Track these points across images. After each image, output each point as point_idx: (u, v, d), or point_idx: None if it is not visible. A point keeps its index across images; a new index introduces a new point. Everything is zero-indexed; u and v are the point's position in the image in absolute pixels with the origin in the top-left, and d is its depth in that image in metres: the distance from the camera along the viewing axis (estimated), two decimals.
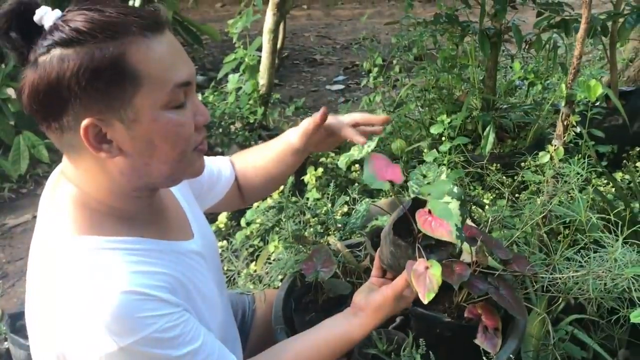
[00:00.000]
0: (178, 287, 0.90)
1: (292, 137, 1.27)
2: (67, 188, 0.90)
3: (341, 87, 4.99)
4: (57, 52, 0.78)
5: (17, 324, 1.61)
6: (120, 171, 0.87)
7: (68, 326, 0.80)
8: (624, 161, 2.40)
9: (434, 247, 1.07)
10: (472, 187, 2.13)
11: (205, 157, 1.31)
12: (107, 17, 0.79)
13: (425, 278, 0.97)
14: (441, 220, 1.00)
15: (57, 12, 0.81)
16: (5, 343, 1.72)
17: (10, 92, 3.30)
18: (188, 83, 0.86)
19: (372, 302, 1.08)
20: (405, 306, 1.11)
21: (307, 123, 1.24)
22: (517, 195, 2.00)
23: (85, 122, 0.80)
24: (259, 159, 1.33)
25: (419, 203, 1.08)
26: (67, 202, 0.88)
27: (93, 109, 0.80)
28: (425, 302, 0.95)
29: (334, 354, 1.07)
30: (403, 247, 1.04)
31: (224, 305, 1.11)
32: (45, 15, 0.80)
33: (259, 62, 2.72)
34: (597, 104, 2.55)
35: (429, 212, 1.02)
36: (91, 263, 0.82)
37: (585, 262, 1.23)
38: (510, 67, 3.08)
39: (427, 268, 0.98)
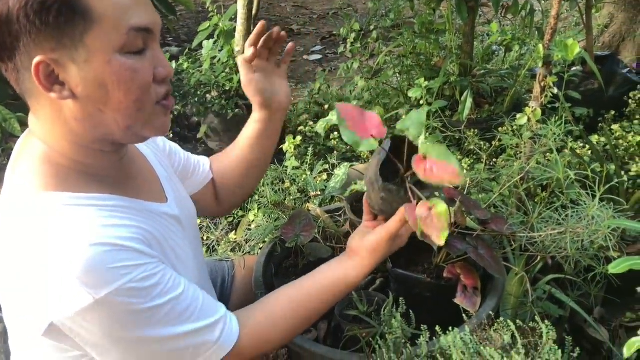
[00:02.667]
0: (152, 241, 0.88)
1: (253, 114, 1.26)
2: (34, 146, 0.87)
3: (319, 57, 4.94)
4: None
5: None
6: (75, 117, 0.84)
7: (41, 284, 0.78)
8: (600, 124, 2.43)
9: (422, 184, 0.99)
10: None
11: (187, 152, 1.28)
12: None
13: (432, 220, 0.90)
14: (442, 162, 0.90)
15: None
16: None
17: None
18: (147, 30, 0.83)
19: (366, 243, 1.04)
20: (401, 244, 1.07)
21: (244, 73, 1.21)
22: (495, 160, 2.01)
23: (36, 59, 0.78)
24: (234, 149, 1.29)
25: (397, 142, 1.03)
26: (34, 159, 0.86)
27: (44, 46, 0.78)
28: (442, 243, 0.88)
29: (328, 298, 1.03)
30: (394, 191, 0.99)
31: (200, 273, 1.09)
32: None
33: (234, 30, 2.67)
34: (574, 67, 2.57)
35: (424, 157, 0.93)
36: (58, 219, 0.80)
37: (562, 220, 1.24)
38: (488, 35, 3.08)
39: (430, 209, 0.91)
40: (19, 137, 2.92)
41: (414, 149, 0.98)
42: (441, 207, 0.89)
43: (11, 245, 0.81)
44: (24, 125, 3.12)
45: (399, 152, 1.02)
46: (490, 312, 1.14)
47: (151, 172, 1.07)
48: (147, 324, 0.82)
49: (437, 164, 0.90)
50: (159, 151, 1.16)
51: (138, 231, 0.85)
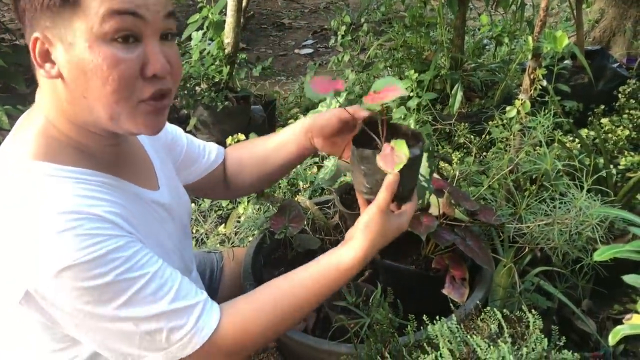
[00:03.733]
0: (133, 221, 0.87)
1: (301, 139, 1.21)
2: (36, 118, 0.89)
3: (310, 51, 4.93)
4: None
5: None
6: (66, 99, 0.85)
7: (16, 252, 0.78)
8: (590, 118, 2.44)
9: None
10: (440, 146, 2.14)
11: (197, 139, 1.26)
12: None
13: (392, 155, 0.93)
14: (387, 87, 0.96)
15: None
16: None
17: None
18: (132, 13, 0.80)
19: (358, 224, 0.97)
20: (400, 227, 1.00)
21: (328, 119, 1.15)
22: (485, 153, 2.02)
23: (34, 35, 0.82)
24: (260, 157, 1.26)
25: (372, 121, 1.04)
26: (32, 130, 0.87)
27: (41, 24, 0.81)
28: (395, 170, 0.92)
29: (320, 288, 0.95)
30: (371, 157, 0.97)
31: (184, 263, 1.08)
32: None
33: (224, 22, 2.65)
34: (564, 61, 2.57)
35: (375, 92, 0.97)
36: (37, 188, 0.81)
37: (550, 211, 1.25)
38: (479, 29, 3.08)
39: (392, 149, 0.94)
40: (8, 130, 2.88)
41: (392, 128, 1.03)
42: (401, 145, 0.93)
43: None
44: (11, 118, 3.10)
45: (375, 130, 1.02)
46: (478, 303, 1.14)
47: (146, 159, 1.06)
48: (118, 298, 0.80)
49: (382, 91, 0.96)
50: (157, 141, 1.14)
51: (119, 209, 0.85)
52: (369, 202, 1.02)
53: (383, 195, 0.95)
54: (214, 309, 0.89)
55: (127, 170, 0.96)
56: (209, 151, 1.27)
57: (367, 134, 1.02)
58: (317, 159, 2.04)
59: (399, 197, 1.01)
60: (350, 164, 1.05)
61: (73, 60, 0.81)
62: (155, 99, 0.86)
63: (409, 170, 0.96)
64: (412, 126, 1.32)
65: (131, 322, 0.82)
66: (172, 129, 1.21)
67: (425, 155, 1.24)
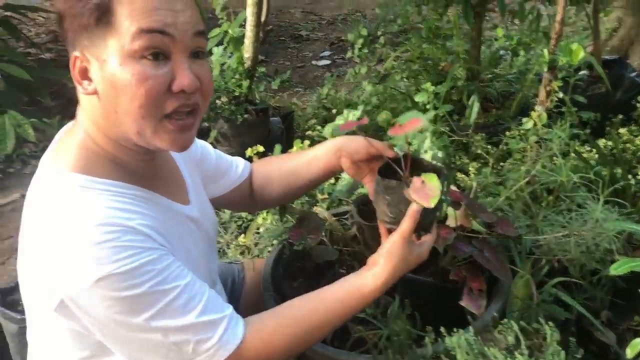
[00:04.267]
0: (166, 234, 0.91)
1: (330, 157, 1.25)
2: (76, 132, 0.93)
3: (327, 62, 4.97)
4: None
5: (8, 298, 1.61)
6: (100, 114, 0.90)
7: (52, 261, 0.82)
8: (607, 128, 2.43)
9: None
10: (457, 157, 2.15)
11: (225, 154, 1.31)
12: None
13: (424, 189, 0.99)
14: (410, 120, 1.07)
15: None
16: None
17: None
18: (161, 31, 0.83)
19: (381, 250, 1.02)
20: (421, 255, 1.05)
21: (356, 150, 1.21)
22: (502, 164, 2.02)
23: (74, 53, 0.87)
24: (288, 161, 1.32)
25: (397, 160, 1.12)
26: (72, 143, 0.92)
27: (81, 43, 0.86)
28: (432, 205, 0.97)
29: (343, 308, 0.99)
30: (396, 187, 1.03)
31: (211, 276, 1.12)
32: None
33: (243, 36, 2.70)
34: (581, 72, 2.57)
35: (400, 126, 1.08)
36: (70, 199, 0.85)
37: (567, 223, 1.25)
38: (495, 40, 3.09)
39: (423, 182, 1.00)
40: (32, 142, 2.93)
41: (414, 162, 1.11)
42: (433, 179, 1.00)
43: (33, 222, 0.87)
44: (37, 130, 3.17)
45: (398, 163, 1.11)
46: (495, 314, 1.15)
47: (178, 174, 1.11)
48: (150, 310, 0.83)
49: (405, 125, 1.06)
50: (188, 156, 1.18)
51: (151, 221, 0.89)
52: (390, 231, 1.07)
53: (407, 224, 1.01)
54: (240, 323, 0.93)
55: (160, 184, 1.00)
56: (237, 165, 1.31)
57: (391, 165, 1.10)
58: None
59: (420, 227, 1.06)
60: (374, 193, 1.10)
61: (106, 76, 0.85)
62: (179, 116, 0.89)
63: None
64: (428, 138, 1.34)
65: (160, 333, 0.85)
66: (201, 144, 1.25)
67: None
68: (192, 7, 0.88)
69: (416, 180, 1.01)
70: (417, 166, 1.12)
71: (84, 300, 0.82)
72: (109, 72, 0.84)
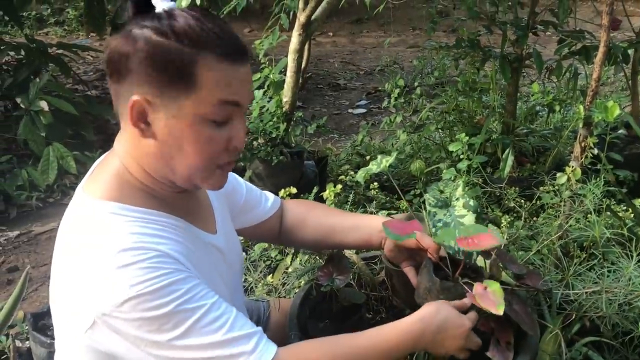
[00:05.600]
0: (193, 261, 0.94)
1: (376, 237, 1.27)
2: (112, 161, 0.98)
3: (363, 111, 5.04)
4: (147, 32, 0.88)
5: (39, 323, 1.65)
6: (149, 152, 0.94)
7: (84, 281, 0.85)
8: None
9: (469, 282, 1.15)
10: (490, 209, 2.14)
11: (255, 187, 1.35)
12: (201, 30, 0.88)
13: (488, 296, 1.06)
14: (478, 234, 1.11)
15: (170, 4, 0.92)
16: (27, 342, 1.76)
17: (43, 104, 3.41)
18: (235, 103, 0.92)
19: (435, 314, 1.04)
20: (455, 346, 1.05)
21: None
22: (535, 218, 2.01)
23: (135, 96, 0.89)
24: (331, 217, 1.33)
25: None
26: (107, 172, 0.96)
27: (146, 89, 0.89)
28: (500, 312, 1.04)
29: (382, 342, 1.00)
30: (452, 288, 1.10)
31: (235, 305, 1.13)
32: (161, 2, 0.91)
33: (283, 81, 2.78)
34: (619, 131, 2.56)
35: (464, 237, 1.11)
36: (107, 223, 0.89)
37: (599, 279, 1.24)
38: (531, 95, 3.11)
39: (485, 288, 1.08)
40: (73, 174, 3.03)
41: (453, 259, 1.19)
42: (494, 285, 1.07)
43: (64, 246, 0.91)
44: (78, 163, 3.29)
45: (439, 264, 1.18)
46: None
47: (208, 204, 1.14)
48: (178, 328, 0.85)
49: (475, 237, 1.11)
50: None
51: (181, 247, 0.92)
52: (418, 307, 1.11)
53: (476, 315, 1.08)
54: (270, 341, 0.93)
55: (190, 213, 1.04)
56: (266, 199, 1.35)
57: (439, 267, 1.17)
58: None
59: None
60: (422, 293, 1.15)
61: (172, 130, 0.90)
62: (229, 165, 0.99)
63: None
64: (461, 186, 1.35)
65: (191, 350, 0.87)
66: (232, 178, 1.29)
67: (473, 216, 1.27)
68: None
69: (478, 286, 1.07)
70: (456, 264, 1.17)
71: (114, 320, 0.84)
72: (176, 128, 0.90)
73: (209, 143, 0.92)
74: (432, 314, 1.03)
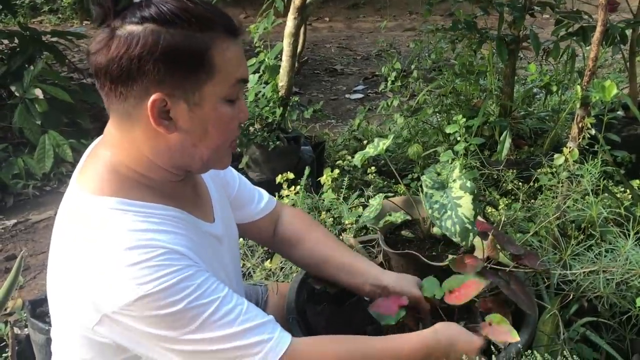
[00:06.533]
0: (196, 250, 0.93)
1: (380, 278, 1.26)
2: (103, 154, 0.95)
3: (360, 96, 5.03)
4: (150, 26, 0.85)
5: (37, 310, 1.65)
6: (169, 147, 0.93)
7: (91, 280, 0.84)
8: None
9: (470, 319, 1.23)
10: (488, 192, 2.14)
11: (250, 184, 1.34)
12: (199, 10, 0.87)
13: (498, 329, 1.12)
14: (463, 285, 1.18)
15: None
16: (26, 329, 1.76)
17: (38, 92, 3.38)
18: (245, 80, 0.96)
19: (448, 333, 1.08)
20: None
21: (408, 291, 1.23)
22: (532, 200, 2.01)
23: (154, 96, 0.87)
24: (330, 249, 1.31)
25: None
26: (100, 167, 0.94)
27: (165, 86, 0.87)
28: (518, 338, 1.10)
29: (396, 343, 1.05)
30: None
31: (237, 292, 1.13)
32: None
33: (279, 66, 2.76)
34: (617, 112, 2.55)
35: (450, 291, 1.19)
36: (110, 220, 0.87)
37: (596, 258, 1.24)
38: (528, 78, 3.09)
39: (490, 324, 1.13)
40: (70, 162, 3.01)
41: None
42: (496, 317, 1.14)
43: (65, 242, 0.89)
44: (74, 151, 3.28)
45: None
46: (520, 347, 1.13)
47: (206, 192, 1.13)
48: (191, 324, 0.85)
49: (461, 288, 1.18)
50: (217, 175, 1.21)
51: (185, 240, 0.91)
52: None
53: (484, 341, 1.10)
54: (283, 329, 0.95)
55: (187, 201, 1.03)
56: (260, 199, 1.32)
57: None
58: (362, 199, 2.07)
59: None
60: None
61: (196, 117, 0.91)
62: (235, 141, 1.01)
63: None
64: (457, 168, 1.35)
65: (206, 344, 0.86)
66: (227, 170, 1.28)
67: (470, 197, 1.26)
68: None
69: (484, 327, 1.13)
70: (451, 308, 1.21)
71: (125, 318, 0.84)
72: (201, 114, 0.91)
73: (230, 122, 0.95)
74: (445, 328, 1.09)
